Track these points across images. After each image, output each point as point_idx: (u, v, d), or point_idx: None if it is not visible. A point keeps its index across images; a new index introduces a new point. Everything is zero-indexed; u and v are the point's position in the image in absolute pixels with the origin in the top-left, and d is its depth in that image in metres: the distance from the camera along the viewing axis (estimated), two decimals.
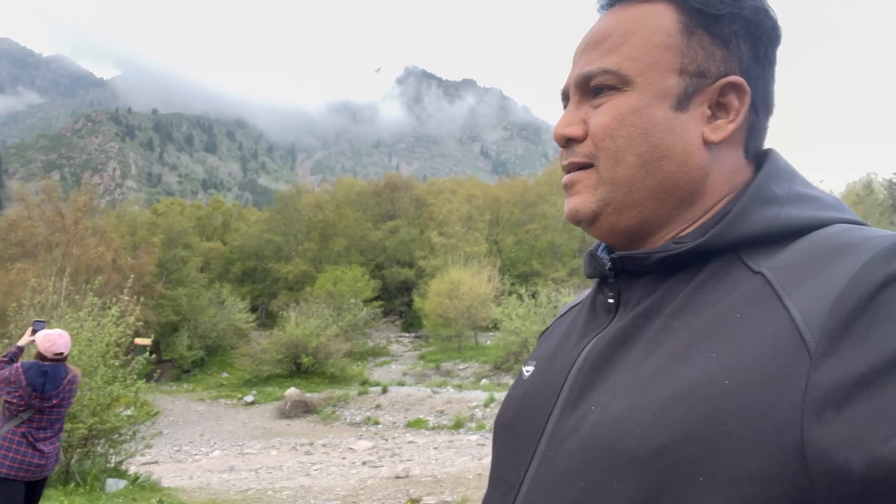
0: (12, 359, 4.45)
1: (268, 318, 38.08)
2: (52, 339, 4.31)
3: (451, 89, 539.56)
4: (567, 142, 0.64)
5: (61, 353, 4.32)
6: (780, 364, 0.47)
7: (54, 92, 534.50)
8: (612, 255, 0.64)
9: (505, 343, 25.84)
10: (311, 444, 13.99)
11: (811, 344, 0.46)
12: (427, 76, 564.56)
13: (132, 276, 22.66)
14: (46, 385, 4.19)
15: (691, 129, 0.60)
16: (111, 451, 8.32)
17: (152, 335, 23.58)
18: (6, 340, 16.80)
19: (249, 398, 22.35)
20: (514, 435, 0.67)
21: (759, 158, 0.64)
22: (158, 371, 27.64)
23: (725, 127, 0.61)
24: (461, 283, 31.00)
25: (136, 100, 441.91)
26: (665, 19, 0.61)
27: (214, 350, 30.36)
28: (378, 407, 19.07)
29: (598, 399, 0.57)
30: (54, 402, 4.28)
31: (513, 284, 34.55)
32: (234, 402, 22.51)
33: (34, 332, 4.48)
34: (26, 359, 4.57)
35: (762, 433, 0.45)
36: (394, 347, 35.69)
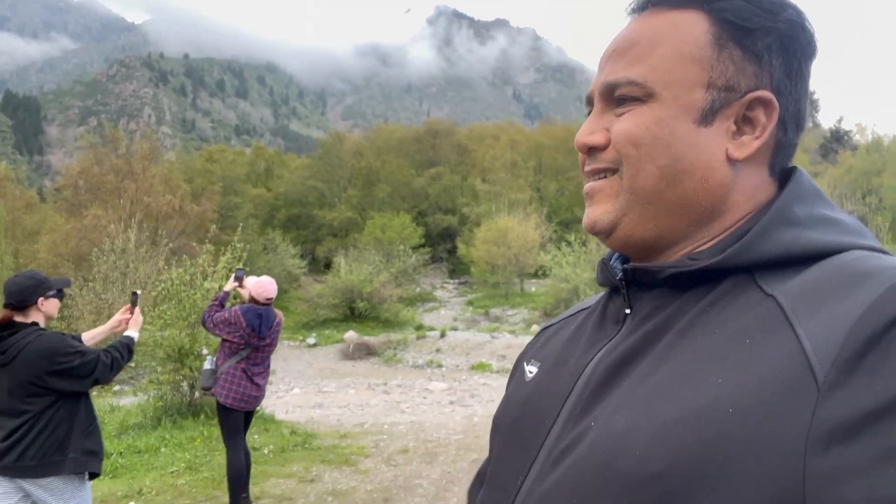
0: (222, 303, 4.89)
1: (313, 264, 39.03)
2: (264, 286, 4.77)
3: (483, 30, 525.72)
4: (589, 150, 0.63)
5: (271, 298, 4.78)
6: (787, 394, 0.46)
7: (87, 37, 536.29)
8: (625, 266, 0.63)
9: (555, 290, 26.22)
10: (384, 384, 14.67)
11: (820, 375, 0.45)
12: (458, 16, 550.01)
13: (200, 222, 23.37)
14: (262, 326, 4.65)
15: (714, 144, 0.59)
16: None
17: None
18: (90, 283, 17.72)
19: (311, 340, 23.27)
20: (514, 439, 0.67)
21: (784, 176, 0.63)
22: None
23: (750, 143, 0.59)
24: (509, 230, 31.26)
25: (167, 44, 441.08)
26: (696, 29, 0.60)
27: None
28: (438, 351, 19.71)
29: (599, 414, 0.56)
30: (267, 341, 4.76)
31: (555, 232, 34.71)
32: (297, 343, 23.46)
33: (236, 278, 4.93)
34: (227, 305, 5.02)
35: (763, 464, 0.44)
36: (439, 293, 36.39)
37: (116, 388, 13.82)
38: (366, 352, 20.67)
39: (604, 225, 0.62)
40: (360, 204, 44.05)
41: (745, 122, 0.60)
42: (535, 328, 24.90)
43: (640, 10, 0.63)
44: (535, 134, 48.07)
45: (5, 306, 3.05)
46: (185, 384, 8.25)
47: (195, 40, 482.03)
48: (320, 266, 37.76)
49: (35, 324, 3.00)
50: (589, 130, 0.63)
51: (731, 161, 0.59)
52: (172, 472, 5.71)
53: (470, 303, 31.86)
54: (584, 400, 0.59)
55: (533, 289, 32.63)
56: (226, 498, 4.84)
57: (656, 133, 0.59)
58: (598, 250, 27.70)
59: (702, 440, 0.47)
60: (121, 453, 6.42)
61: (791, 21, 0.59)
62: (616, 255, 0.69)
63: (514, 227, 31.52)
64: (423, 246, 35.40)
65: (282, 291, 35.52)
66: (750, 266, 0.55)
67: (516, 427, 0.67)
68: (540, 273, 31.84)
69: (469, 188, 43.79)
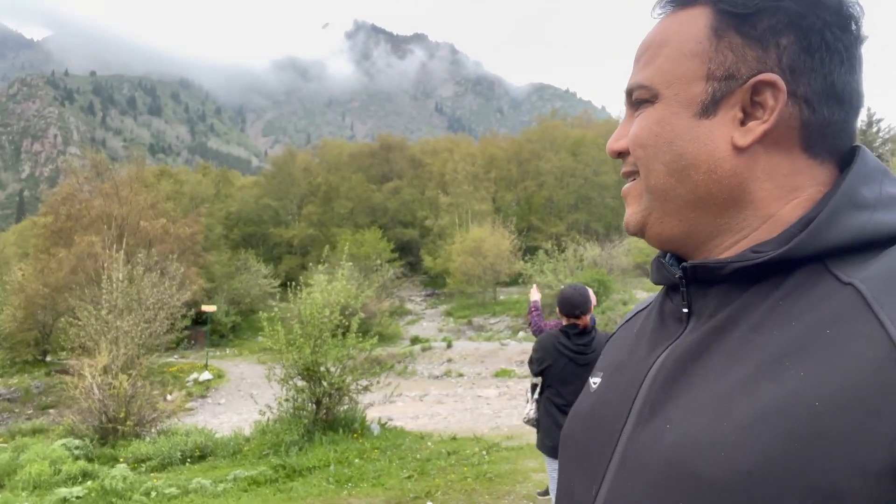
0: (539, 309, 5.02)
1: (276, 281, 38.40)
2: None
3: (402, 44, 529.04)
4: (619, 155, 0.66)
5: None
6: (877, 386, 0.43)
7: None
8: (684, 264, 0.62)
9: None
10: (423, 395, 15.00)
11: None
12: (377, 30, 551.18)
13: (189, 244, 22.89)
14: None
15: (718, 135, 0.59)
16: (353, 400, 9.17)
17: (214, 302, 23.95)
18: (99, 311, 17.14)
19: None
20: (584, 450, 0.65)
21: (846, 157, 0.59)
22: (192, 338, 28.13)
23: (756, 129, 0.58)
24: (483, 240, 32.03)
25: (72, 61, 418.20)
26: (695, 26, 0.60)
27: (246, 315, 30.83)
28: (450, 361, 20.14)
29: (673, 416, 0.54)
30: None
31: (523, 240, 35.82)
32: None
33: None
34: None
35: (856, 460, 0.43)
36: (410, 306, 36.67)
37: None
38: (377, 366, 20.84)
39: (634, 225, 0.65)
40: (321, 220, 43.76)
41: (755, 108, 0.58)
42: (522, 334, 25.76)
43: (658, 14, 0.65)
44: (488, 146, 49.17)
45: (573, 316, 3.64)
46: (321, 401, 8.45)
47: (101, 57, 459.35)
48: (284, 284, 37.20)
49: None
50: (616, 137, 0.66)
51: (738, 149, 0.58)
52: (409, 477, 6.01)
53: (449, 313, 32.36)
54: (652, 401, 0.58)
55: (504, 297, 33.53)
56: (487, 496, 5.25)
57: (658, 132, 0.61)
58: (574, 257, 28.98)
59: (789, 436, 0.45)
60: (334, 463, 6.61)
61: None
62: (669, 254, 0.68)
63: (488, 238, 32.34)
64: (394, 260, 35.66)
65: (259, 311, 34.76)
66: (820, 255, 0.53)
67: (585, 437, 0.66)
68: (514, 281, 32.85)
69: (428, 201, 44.32)
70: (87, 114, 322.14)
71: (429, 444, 7.88)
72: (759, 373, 0.50)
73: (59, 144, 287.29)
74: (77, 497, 6.39)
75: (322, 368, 8.60)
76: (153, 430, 10.01)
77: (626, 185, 0.66)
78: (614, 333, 0.79)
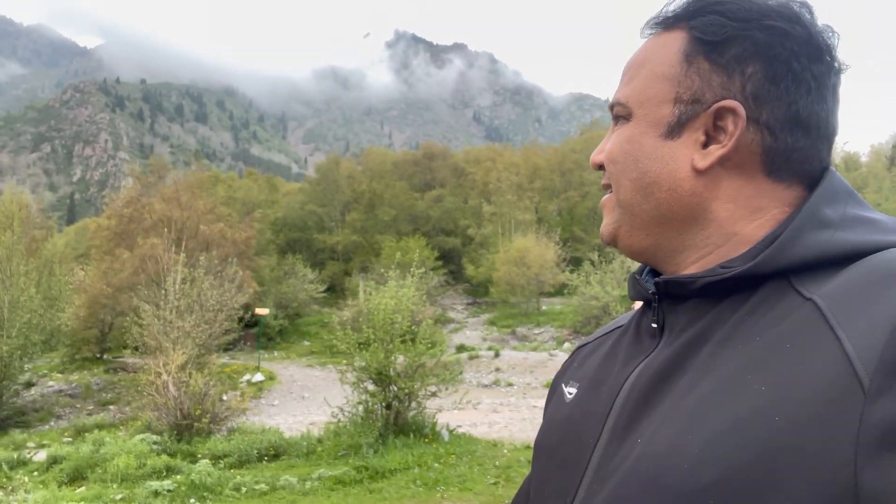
0: None
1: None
2: None
3: (441, 53, 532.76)
4: (599, 166, 0.69)
5: None
6: (832, 400, 0.45)
7: (37, 62, 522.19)
8: (657, 280, 0.64)
9: (585, 308, 26.97)
10: (477, 403, 15.05)
11: (865, 379, 0.44)
12: (417, 40, 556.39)
13: (244, 248, 23.43)
14: None
15: (681, 156, 0.61)
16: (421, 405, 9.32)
17: (267, 306, 24.50)
18: (162, 311, 17.66)
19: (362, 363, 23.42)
20: (558, 460, 0.67)
21: (817, 180, 0.61)
22: (244, 339, 28.75)
23: (714, 153, 0.60)
24: (528, 250, 32.02)
25: (122, 69, 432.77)
26: (671, 49, 0.63)
27: (292, 318, 31.37)
28: (498, 370, 20.14)
29: (644, 430, 0.56)
30: None
31: (567, 251, 35.65)
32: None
33: None
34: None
35: (813, 473, 0.44)
36: (452, 314, 36.80)
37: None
38: None
39: (607, 235, 0.68)
40: (364, 227, 44.28)
41: (717, 132, 0.61)
42: (568, 346, 25.62)
43: (647, 34, 0.67)
44: (531, 156, 49.19)
45: None
46: (391, 405, 8.60)
47: (151, 65, 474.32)
48: (330, 289, 37.69)
49: None
50: (598, 149, 0.69)
51: (697, 171, 0.61)
52: (495, 484, 6.10)
53: (492, 322, 32.39)
54: (626, 416, 0.59)
55: (546, 307, 33.41)
56: None
57: (627, 149, 0.64)
58: (621, 269, 28.73)
59: (749, 450, 0.46)
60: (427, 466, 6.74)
61: (771, 27, 0.59)
62: (647, 270, 0.71)
63: (533, 248, 32.30)
64: (439, 268, 35.87)
65: (304, 315, 35.30)
66: (785, 271, 0.55)
67: (560, 448, 0.67)
68: (558, 291, 32.72)
69: (470, 210, 44.52)
70: (137, 120, 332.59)
71: (504, 451, 7.95)
72: (724, 387, 0.51)
73: (110, 149, 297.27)
74: (168, 490, 6.65)
75: (392, 373, 8.77)
76: (224, 427, 10.31)
77: (604, 197, 0.69)
78: (587, 343, 0.81)
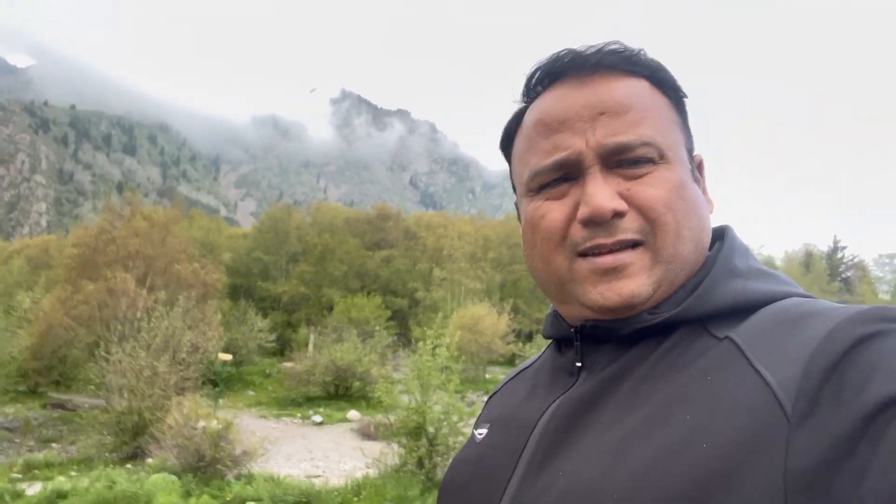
0: None
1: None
2: None
3: (385, 117, 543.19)
4: (612, 217, 0.58)
5: None
6: (759, 428, 0.46)
7: None
8: (586, 323, 0.62)
9: None
10: None
11: (787, 406, 0.46)
12: (361, 101, 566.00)
13: (212, 290, 23.07)
14: None
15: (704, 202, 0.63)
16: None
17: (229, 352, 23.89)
18: (133, 348, 17.18)
19: (317, 419, 23.06)
20: (469, 498, 0.64)
21: (718, 232, 0.65)
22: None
23: (709, 199, 0.64)
24: (482, 318, 32.80)
25: (52, 92, 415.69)
26: (661, 98, 0.62)
27: (237, 366, 30.51)
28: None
29: (565, 465, 0.55)
30: None
31: (516, 321, 36.71)
32: (300, 420, 23.15)
33: None
34: None
35: (743, 498, 0.44)
36: (397, 375, 36.70)
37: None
38: (389, 431, 20.93)
39: (642, 299, 0.58)
40: (314, 280, 44.02)
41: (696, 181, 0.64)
42: None
43: (592, 71, 0.61)
44: (480, 227, 50.79)
45: None
46: (423, 460, 8.90)
47: (83, 91, 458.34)
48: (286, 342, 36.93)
49: None
50: (610, 195, 0.58)
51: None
52: None
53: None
54: (542, 450, 0.58)
55: (489, 376, 34.01)
56: None
57: (684, 195, 0.59)
58: None
59: (680, 477, 0.46)
60: None
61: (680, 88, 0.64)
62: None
63: (486, 316, 33.12)
64: (391, 328, 36.03)
65: (247, 363, 34.46)
66: (703, 318, 0.57)
67: (469, 485, 0.65)
68: (508, 361, 33.44)
69: (419, 273, 45.21)
70: (60, 144, 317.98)
71: None
72: (650, 420, 0.51)
73: (26, 171, 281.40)
74: None
75: (431, 428, 9.12)
76: (233, 471, 10.16)
77: (625, 255, 0.58)
78: (497, 391, 0.82)
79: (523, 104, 0.68)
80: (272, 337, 32.97)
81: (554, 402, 0.62)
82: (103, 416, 15.85)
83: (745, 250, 0.63)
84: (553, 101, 0.62)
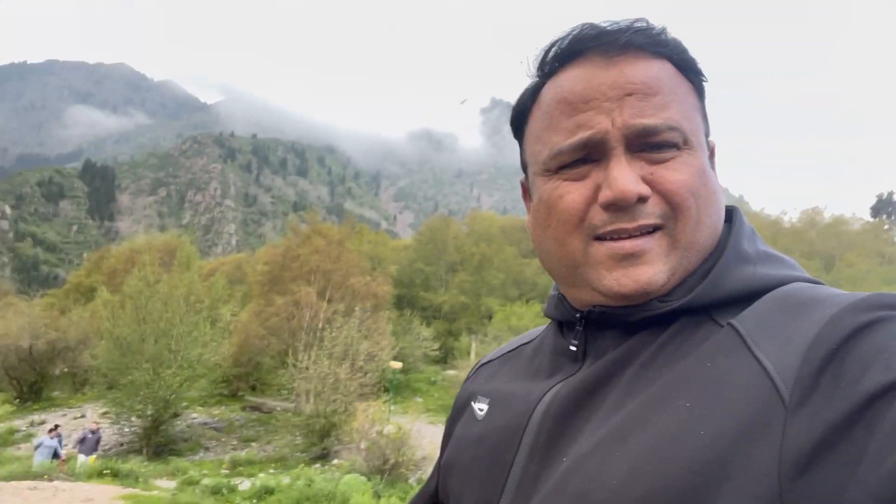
0: None
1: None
2: None
3: None
4: (634, 202, 0.57)
5: None
6: (757, 415, 0.46)
7: (162, 114, 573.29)
8: (592, 308, 0.62)
9: None
10: None
11: (785, 394, 0.46)
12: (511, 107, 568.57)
13: (382, 301, 24.35)
14: None
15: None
16: None
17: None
18: (318, 356, 18.66)
19: None
20: (475, 477, 0.66)
21: (727, 215, 0.65)
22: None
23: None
24: None
25: (237, 124, 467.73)
26: (684, 82, 0.62)
27: (405, 374, 32.04)
28: None
29: (569, 449, 0.56)
30: None
31: None
32: None
33: None
34: None
35: (740, 486, 0.45)
36: None
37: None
38: None
39: (658, 286, 0.58)
40: (473, 289, 44.99)
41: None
42: None
43: (621, 51, 0.60)
44: None
45: None
46: None
47: (262, 121, 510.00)
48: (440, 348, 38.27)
49: None
50: (634, 178, 0.57)
51: None
52: None
53: None
54: (545, 434, 0.59)
55: None
56: None
57: (706, 182, 0.59)
58: None
59: (677, 464, 0.47)
60: None
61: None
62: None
63: None
64: None
65: (414, 371, 35.99)
66: (713, 305, 0.57)
67: (475, 465, 0.66)
68: None
69: None
70: (245, 171, 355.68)
71: None
72: (650, 406, 0.52)
73: (218, 196, 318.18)
74: None
75: None
76: (418, 473, 10.76)
77: (644, 241, 0.57)
78: (490, 360, 0.81)
79: (537, 79, 0.65)
80: (436, 345, 34.21)
81: (555, 385, 0.62)
82: (294, 418, 17.51)
83: (753, 233, 0.63)
84: (577, 79, 0.60)
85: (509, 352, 0.78)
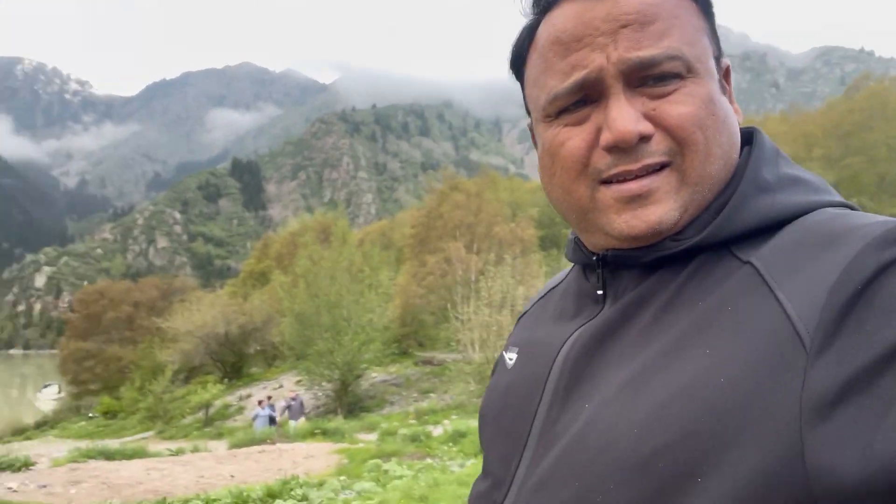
0: None
1: None
2: None
3: None
4: (636, 142, 0.54)
5: None
6: (776, 360, 0.45)
7: (288, 102, 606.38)
8: (605, 253, 0.60)
9: None
10: None
11: (806, 339, 0.44)
12: None
13: (529, 245, 24.41)
14: None
15: (733, 113, 0.58)
16: None
17: None
18: (479, 306, 19.19)
19: None
20: (501, 429, 0.64)
21: (746, 137, 0.60)
22: None
23: (736, 108, 0.59)
24: None
25: (356, 98, 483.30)
26: (687, 3, 0.57)
27: None
28: None
29: (589, 396, 0.54)
30: None
31: None
32: None
33: None
34: None
35: (760, 433, 0.44)
36: None
37: None
38: None
39: (669, 225, 0.55)
40: None
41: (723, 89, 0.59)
42: None
43: None
44: (798, 123, 44.45)
45: None
46: None
47: (378, 91, 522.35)
48: None
49: None
50: (635, 118, 0.53)
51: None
52: None
53: None
54: (566, 380, 0.58)
55: None
56: None
57: (714, 111, 0.55)
58: None
59: (697, 413, 0.46)
60: None
61: None
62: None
63: None
64: None
65: None
66: (729, 241, 0.54)
67: (502, 415, 0.65)
68: None
69: None
70: (371, 141, 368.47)
71: None
72: (669, 351, 0.51)
73: (351, 170, 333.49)
74: None
75: None
76: None
77: (651, 180, 0.54)
78: (527, 310, 0.77)
79: (533, 17, 0.62)
80: None
81: (577, 329, 0.61)
82: (467, 367, 18.36)
83: (775, 155, 0.59)
84: (570, 15, 0.57)
85: (542, 297, 0.77)
